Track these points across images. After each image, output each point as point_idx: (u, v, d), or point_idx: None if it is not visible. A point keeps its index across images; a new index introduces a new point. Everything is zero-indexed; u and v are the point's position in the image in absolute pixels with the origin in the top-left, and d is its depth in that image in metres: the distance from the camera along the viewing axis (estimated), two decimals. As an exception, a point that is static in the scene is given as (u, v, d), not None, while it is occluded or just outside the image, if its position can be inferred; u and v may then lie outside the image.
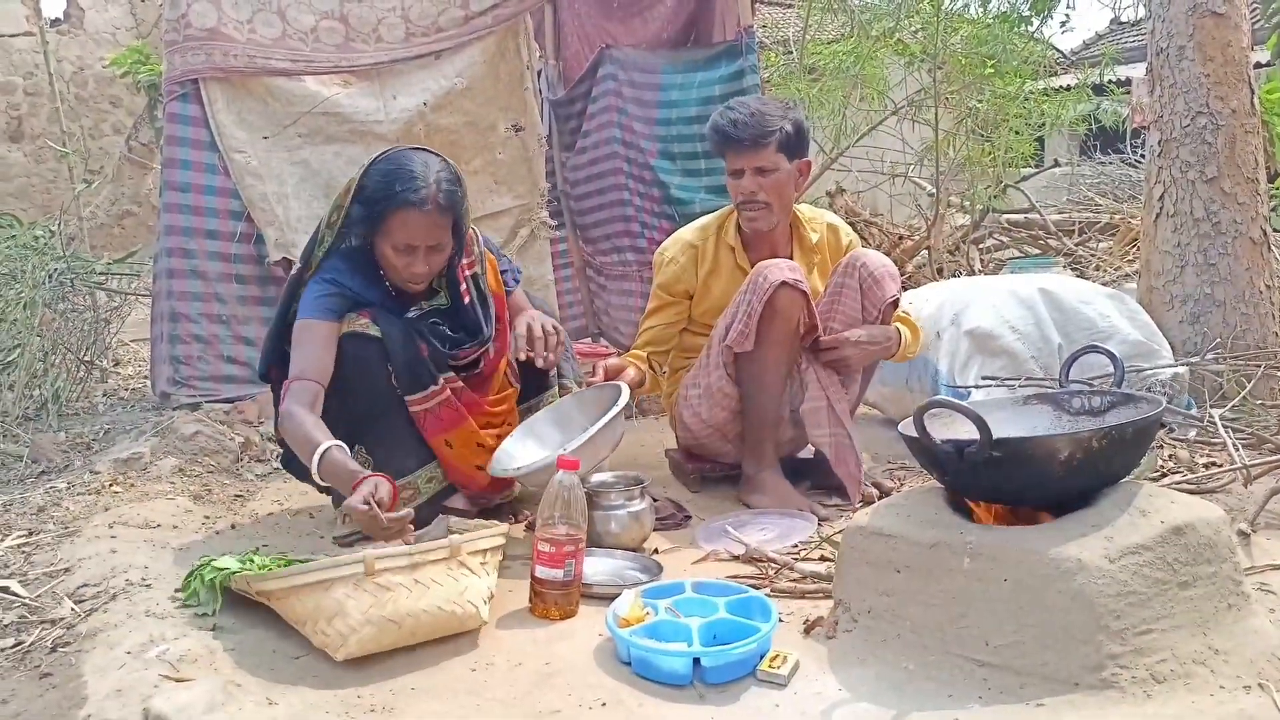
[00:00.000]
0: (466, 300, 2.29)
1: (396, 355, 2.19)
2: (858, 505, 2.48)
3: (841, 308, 2.58)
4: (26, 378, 3.38)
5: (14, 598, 1.87)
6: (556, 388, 2.50)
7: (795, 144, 2.57)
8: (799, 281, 2.45)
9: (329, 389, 2.13)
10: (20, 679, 1.59)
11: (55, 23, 9.14)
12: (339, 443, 1.98)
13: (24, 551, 2.13)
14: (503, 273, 2.43)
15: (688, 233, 2.75)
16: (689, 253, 2.69)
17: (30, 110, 8.87)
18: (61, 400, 3.46)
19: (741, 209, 2.62)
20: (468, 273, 2.32)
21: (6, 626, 1.76)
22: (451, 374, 2.28)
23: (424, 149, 2.24)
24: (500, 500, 2.44)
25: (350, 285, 2.21)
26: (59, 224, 4.11)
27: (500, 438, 2.34)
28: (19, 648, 1.69)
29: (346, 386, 2.17)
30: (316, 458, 1.95)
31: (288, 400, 2.07)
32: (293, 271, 2.32)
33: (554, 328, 2.28)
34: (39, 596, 1.88)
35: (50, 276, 3.61)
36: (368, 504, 1.82)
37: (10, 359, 3.38)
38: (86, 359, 3.79)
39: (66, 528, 2.28)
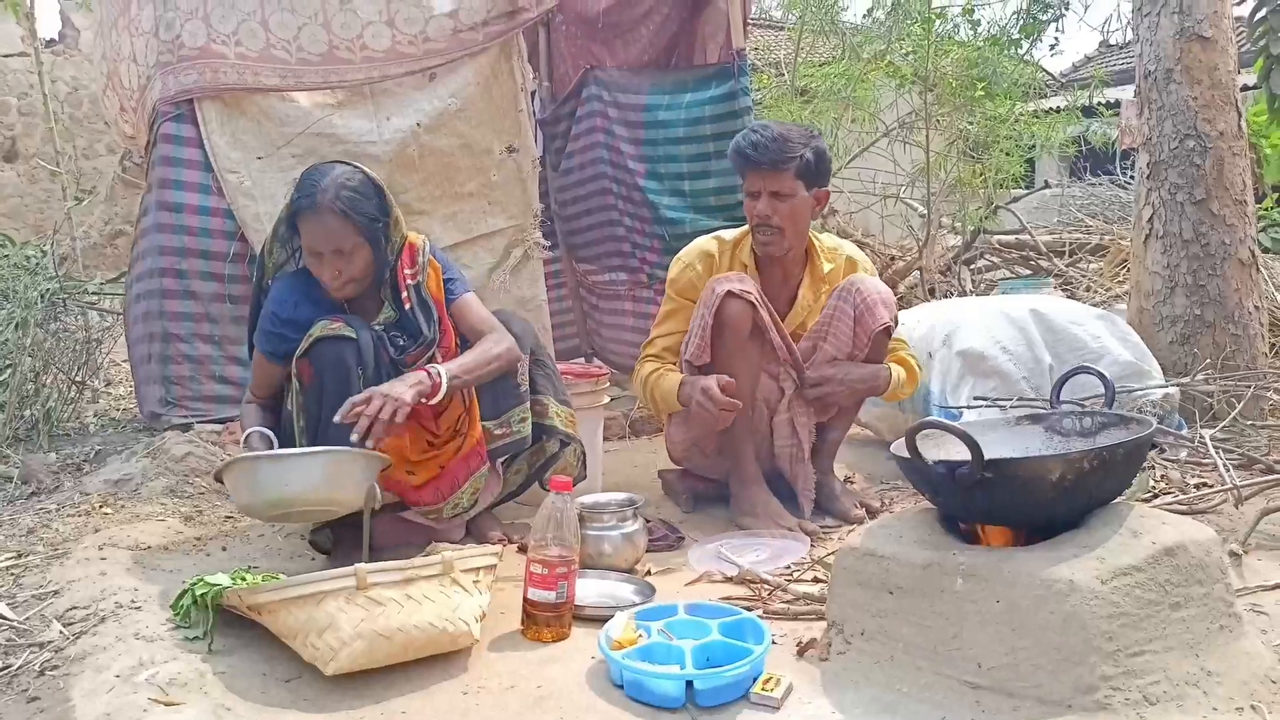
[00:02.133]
0: (408, 306, 2.34)
1: (368, 358, 2.22)
2: (808, 518, 2.59)
3: (833, 331, 2.61)
4: (17, 398, 3.37)
5: (2, 620, 1.85)
6: (527, 404, 2.44)
7: (815, 172, 2.58)
8: (746, 292, 2.50)
9: (306, 391, 2.23)
10: (8, 703, 1.58)
11: (50, 43, 9.14)
12: (264, 430, 2.26)
13: (13, 573, 2.12)
14: (447, 280, 2.44)
15: (706, 242, 2.75)
16: (706, 261, 2.70)
17: (25, 130, 8.87)
18: (53, 421, 3.45)
19: (755, 231, 2.62)
20: (410, 281, 2.36)
21: (-6, 649, 1.75)
22: None
23: (347, 163, 2.33)
24: (451, 514, 2.37)
25: (292, 307, 2.30)
26: (51, 244, 4.11)
27: (441, 451, 2.37)
28: (7, 671, 1.67)
29: (323, 388, 2.20)
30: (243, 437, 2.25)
31: (242, 406, 2.41)
32: (254, 289, 2.44)
33: (392, 406, 2.08)
34: (27, 619, 1.86)
35: (42, 296, 3.60)
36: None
37: (1, 379, 3.37)
38: (78, 379, 3.78)
39: (56, 549, 2.26)
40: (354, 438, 2.05)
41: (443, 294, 2.42)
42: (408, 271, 2.36)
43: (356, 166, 2.31)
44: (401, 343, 2.32)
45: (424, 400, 2.19)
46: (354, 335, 2.21)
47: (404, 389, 2.13)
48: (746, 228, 2.71)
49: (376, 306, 2.36)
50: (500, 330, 2.42)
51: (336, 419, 2.09)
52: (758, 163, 2.54)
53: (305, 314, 2.27)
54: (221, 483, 2.19)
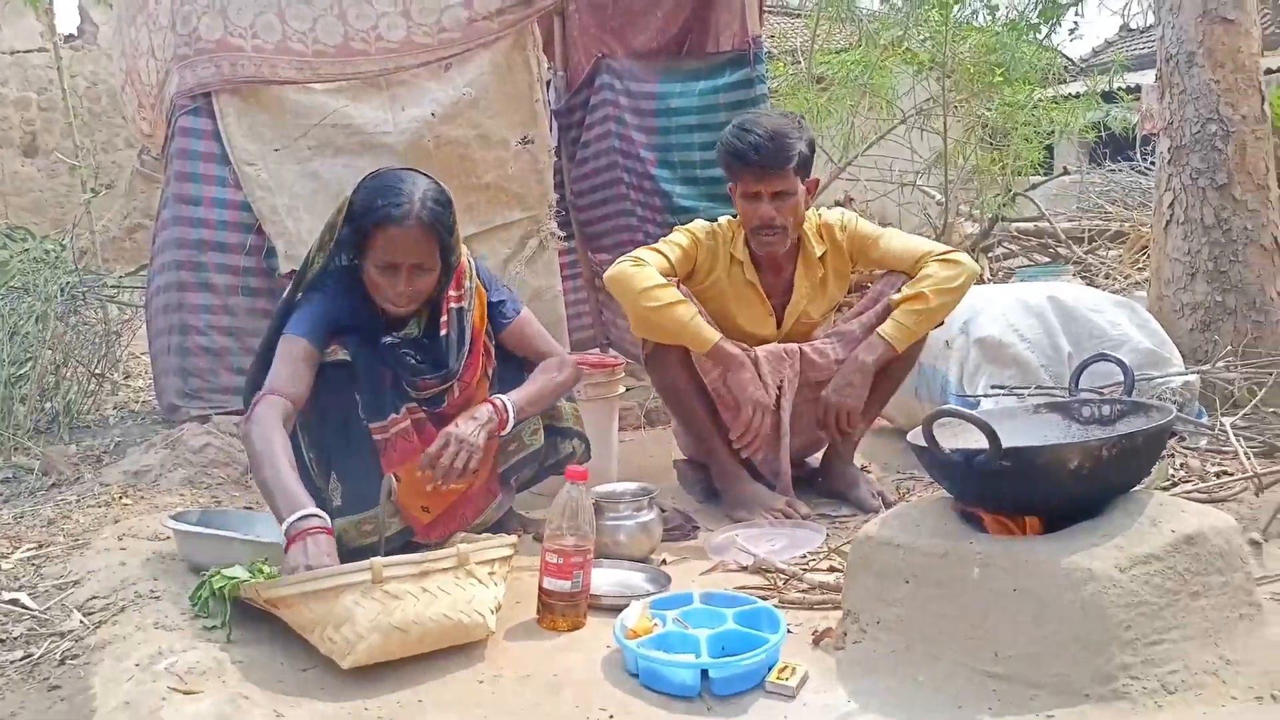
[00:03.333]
0: (444, 332, 2.22)
1: (362, 381, 2.15)
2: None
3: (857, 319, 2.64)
4: (38, 390, 3.40)
5: (24, 610, 1.87)
6: (538, 414, 2.37)
7: (808, 164, 2.56)
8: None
9: (308, 413, 2.13)
10: (29, 691, 1.60)
11: (69, 39, 9.20)
12: (319, 513, 1.84)
13: (34, 564, 2.14)
14: (497, 304, 2.34)
15: (707, 223, 2.72)
16: (711, 234, 2.67)
17: (44, 125, 8.94)
18: (72, 413, 3.48)
19: (757, 234, 2.57)
20: (452, 305, 2.24)
21: (16, 639, 1.77)
22: (415, 405, 2.22)
23: (416, 170, 2.20)
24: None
25: (342, 308, 2.17)
26: (71, 237, 4.14)
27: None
28: (28, 660, 1.69)
29: (321, 414, 2.17)
30: (292, 518, 1.81)
31: (261, 409, 1.98)
32: (283, 296, 2.26)
33: (467, 453, 2.07)
34: (48, 609, 1.88)
35: (62, 290, 3.63)
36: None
37: (22, 372, 3.40)
38: (97, 372, 3.81)
39: (76, 540, 2.28)
40: (430, 487, 2.07)
41: (484, 323, 2.31)
42: (453, 294, 2.23)
43: (430, 177, 2.16)
44: (414, 362, 2.19)
45: (492, 437, 2.15)
46: (349, 359, 2.14)
47: (476, 430, 2.09)
48: (739, 220, 2.68)
49: (401, 321, 2.24)
50: (560, 353, 2.38)
51: (423, 472, 2.05)
52: (761, 166, 2.48)
53: (347, 307, 2.18)
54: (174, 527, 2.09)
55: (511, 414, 2.18)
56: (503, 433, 2.18)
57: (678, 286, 2.56)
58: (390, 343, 2.19)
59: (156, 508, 2.52)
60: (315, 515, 1.81)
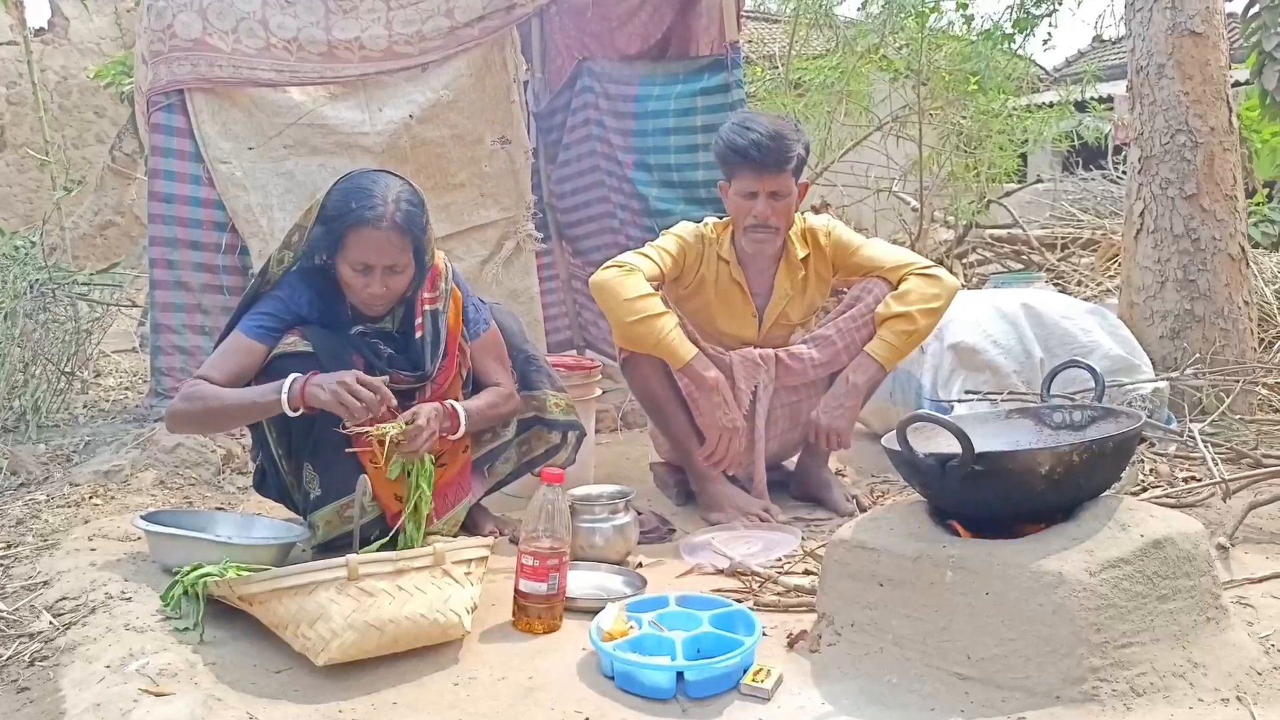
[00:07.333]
0: (419, 334, 2.23)
1: (328, 366, 2.11)
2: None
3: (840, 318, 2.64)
4: (6, 388, 3.35)
5: (-9, 611, 1.85)
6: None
7: (803, 166, 2.58)
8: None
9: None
10: (-3, 693, 1.58)
11: (40, 32, 9.08)
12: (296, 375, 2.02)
13: (2, 564, 2.11)
14: (467, 321, 2.34)
15: (693, 225, 2.71)
16: (699, 237, 2.66)
17: (13, 120, 8.81)
18: (41, 411, 3.43)
19: (750, 232, 2.57)
20: (427, 307, 2.24)
21: (-16, 640, 1.75)
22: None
23: (389, 171, 2.22)
24: (431, 531, 2.29)
25: (302, 303, 2.18)
26: (40, 234, 4.08)
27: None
28: (-4, 662, 1.67)
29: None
30: (287, 385, 2.00)
31: (188, 388, 2.08)
32: (248, 289, 2.27)
33: (425, 438, 2.11)
34: (17, 610, 1.86)
35: (31, 287, 3.58)
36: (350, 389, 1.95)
37: (-11, 370, 3.35)
38: (67, 370, 3.76)
39: (45, 540, 2.26)
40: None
41: (460, 325, 2.32)
42: (427, 295, 2.24)
43: (403, 178, 2.19)
44: (382, 349, 2.20)
45: (442, 435, 2.18)
46: (310, 349, 2.11)
47: (437, 419, 2.12)
48: (724, 221, 2.69)
49: (377, 316, 2.25)
50: (510, 384, 2.39)
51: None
52: (761, 164, 2.47)
53: (314, 303, 2.19)
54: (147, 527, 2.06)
55: (463, 424, 2.21)
56: (452, 436, 2.21)
57: (661, 294, 2.55)
58: (360, 331, 2.21)
59: (127, 508, 2.50)
60: (295, 377, 2.01)
